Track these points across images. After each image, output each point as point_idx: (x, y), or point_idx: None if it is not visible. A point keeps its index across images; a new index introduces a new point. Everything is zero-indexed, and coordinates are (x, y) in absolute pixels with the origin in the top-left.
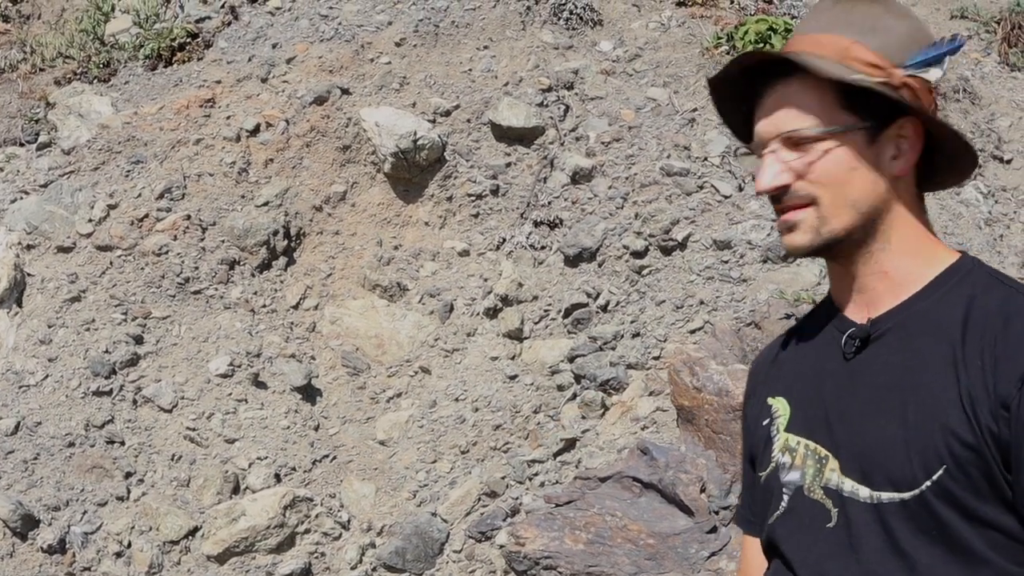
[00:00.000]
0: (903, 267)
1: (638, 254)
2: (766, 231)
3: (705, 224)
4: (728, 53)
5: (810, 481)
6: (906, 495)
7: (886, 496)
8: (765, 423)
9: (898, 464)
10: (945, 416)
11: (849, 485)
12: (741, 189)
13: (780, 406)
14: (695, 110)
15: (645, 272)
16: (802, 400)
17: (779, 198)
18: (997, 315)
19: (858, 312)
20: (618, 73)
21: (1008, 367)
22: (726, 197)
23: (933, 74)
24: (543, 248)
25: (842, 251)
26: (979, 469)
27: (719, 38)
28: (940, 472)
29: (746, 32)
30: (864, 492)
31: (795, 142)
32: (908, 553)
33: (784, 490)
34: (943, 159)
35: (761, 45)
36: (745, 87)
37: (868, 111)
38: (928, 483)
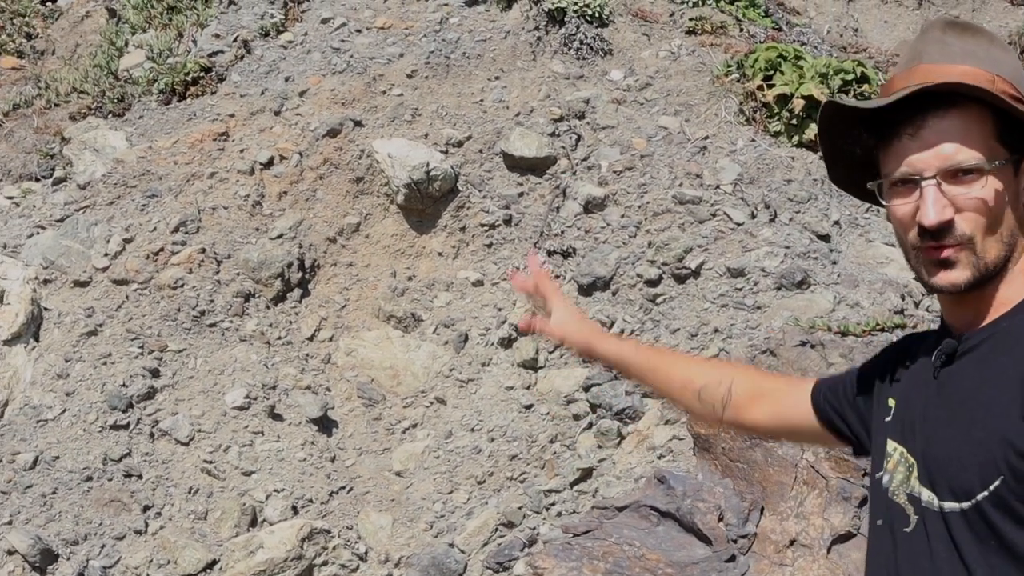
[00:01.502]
0: (1008, 289)
1: (652, 283)
2: (779, 258)
3: (718, 252)
4: (739, 81)
5: (896, 486)
6: (964, 505)
7: (948, 506)
8: (886, 419)
9: (958, 474)
10: (1006, 430)
11: (926, 494)
12: (754, 216)
13: (890, 407)
14: (706, 138)
15: (659, 300)
16: (903, 408)
17: (940, 234)
18: None
19: (964, 328)
20: (629, 102)
21: None
22: (739, 224)
23: None
24: (557, 277)
25: (983, 284)
26: None
27: (729, 66)
28: (997, 483)
29: (756, 60)
30: (936, 502)
31: (955, 175)
32: (969, 563)
33: (885, 496)
34: None
35: (771, 73)
36: (872, 124)
37: (1015, 144)
38: (984, 493)
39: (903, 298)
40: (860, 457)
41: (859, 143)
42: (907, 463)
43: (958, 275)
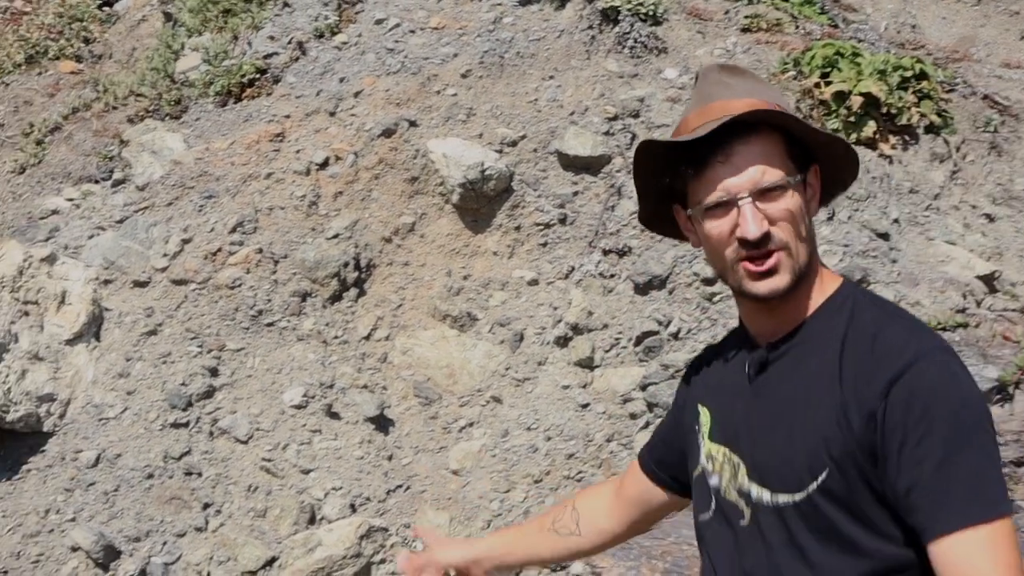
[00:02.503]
0: (809, 295)
1: (708, 281)
2: (838, 257)
3: None
4: (795, 78)
5: (726, 484)
6: (797, 497)
7: (782, 499)
8: (696, 427)
9: (789, 471)
10: (825, 427)
11: (756, 490)
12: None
13: (704, 415)
14: None
15: (716, 299)
16: (720, 413)
17: (759, 244)
18: (866, 334)
19: (765, 337)
20: (684, 100)
21: (876, 379)
22: None
23: None
24: (612, 276)
25: (798, 286)
26: (856, 471)
27: (785, 63)
28: (823, 475)
29: (813, 57)
30: (766, 496)
31: (764, 193)
32: (804, 548)
33: (711, 493)
34: (825, 188)
35: (828, 70)
36: (679, 155)
37: (800, 162)
38: (814, 485)
39: (964, 297)
40: None
41: (675, 177)
42: (732, 462)
43: (779, 281)
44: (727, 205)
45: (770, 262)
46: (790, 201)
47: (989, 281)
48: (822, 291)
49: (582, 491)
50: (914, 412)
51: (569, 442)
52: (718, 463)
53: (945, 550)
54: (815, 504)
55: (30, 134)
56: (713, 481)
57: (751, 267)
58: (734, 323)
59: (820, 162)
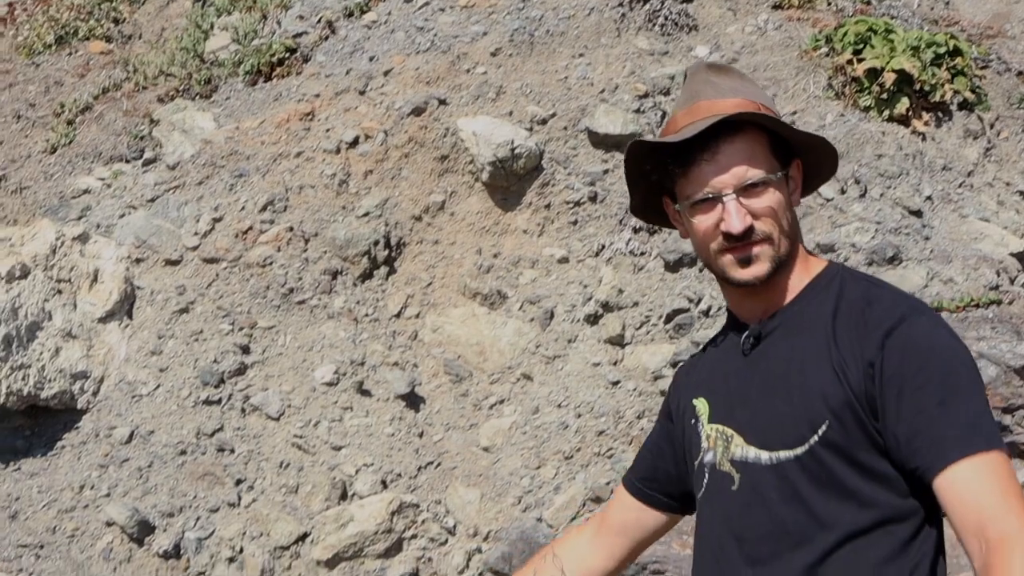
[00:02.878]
0: (793, 277)
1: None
2: (870, 234)
3: (807, 227)
4: (827, 55)
5: (720, 457)
6: (799, 451)
7: (783, 455)
8: (692, 422)
9: (790, 427)
10: (822, 385)
11: (752, 453)
12: (843, 192)
13: (701, 405)
14: (795, 113)
15: None
16: (715, 395)
17: (742, 237)
18: (859, 302)
19: (754, 319)
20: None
21: (871, 335)
22: (828, 200)
23: None
24: (643, 254)
25: (778, 274)
26: (855, 421)
27: (817, 40)
28: (823, 427)
29: (845, 34)
30: (765, 456)
31: (747, 189)
32: (805, 499)
33: (705, 470)
34: (807, 180)
35: (861, 47)
36: (667, 152)
37: (783, 159)
38: (815, 438)
39: (998, 274)
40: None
41: (663, 173)
42: (724, 436)
43: (759, 268)
44: (712, 201)
45: (752, 250)
46: (772, 196)
47: (1023, 258)
48: (807, 273)
49: (559, 538)
50: (910, 361)
51: (600, 419)
52: (712, 440)
53: (949, 480)
54: (817, 456)
55: (61, 114)
56: (708, 458)
57: (731, 255)
58: None
59: (802, 156)
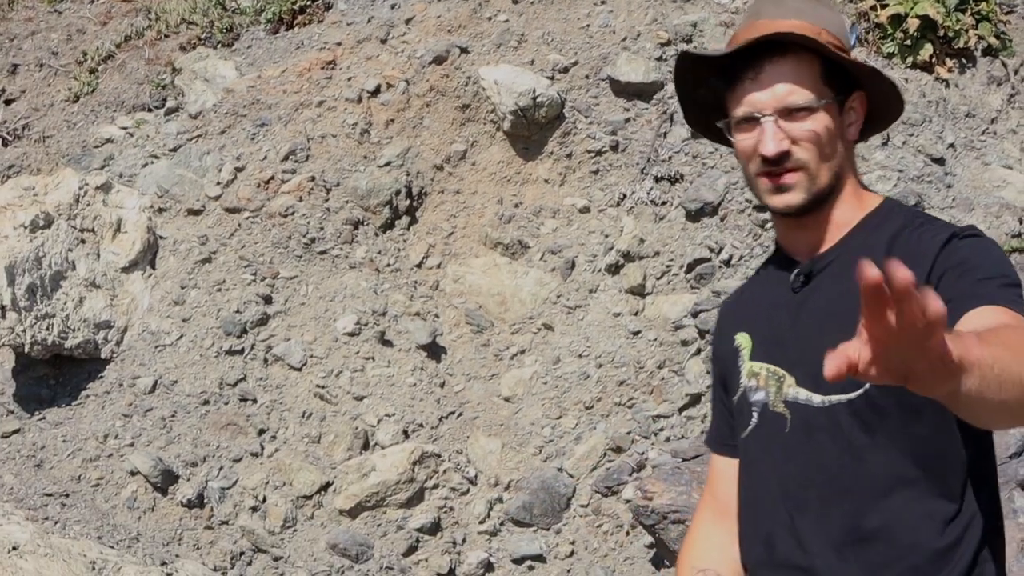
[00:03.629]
0: (843, 213)
1: (760, 208)
2: (892, 182)
3: None
4: (851, 2)
5: (773, 398)
6: (853, 395)
7: (835, 398)
8: (736, 355)
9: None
10: None
11: (804, 395)
12: (865, 140)
13: (743, 340)
14: None
15: (768, 226)
16: (761, 332)
17: (777, 161)
18: (911, 236)
19: (804, 254)
20: (738, 25)
21: (926, 255)
22: None
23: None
24: (664, 203)
25: (816, 206)
26: None
27: None
28: None
29: None
30: (817, 399)
31: (790, 112)
32: (855, 444)
33: (753, 408)
34: (873, 117)
35: None
36: (720, 71)
37: (837, 86)
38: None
39: (1021, 221)
40: None
41: (710, 88)
42: (776, 376)
43: (792, 197)
44: (753, 121)
45: (784, 179)
46: (817, 123)
47: None
48: (862, 208)
49: (688, 551)
50: (961, 256)
51: (620, 369)
52: (762, 379)
53: (977, 312)
54: (871, 400)
55: (83, 63)
56: (758, 396)
57: (767, 181)
58: None
59: (866, 90)
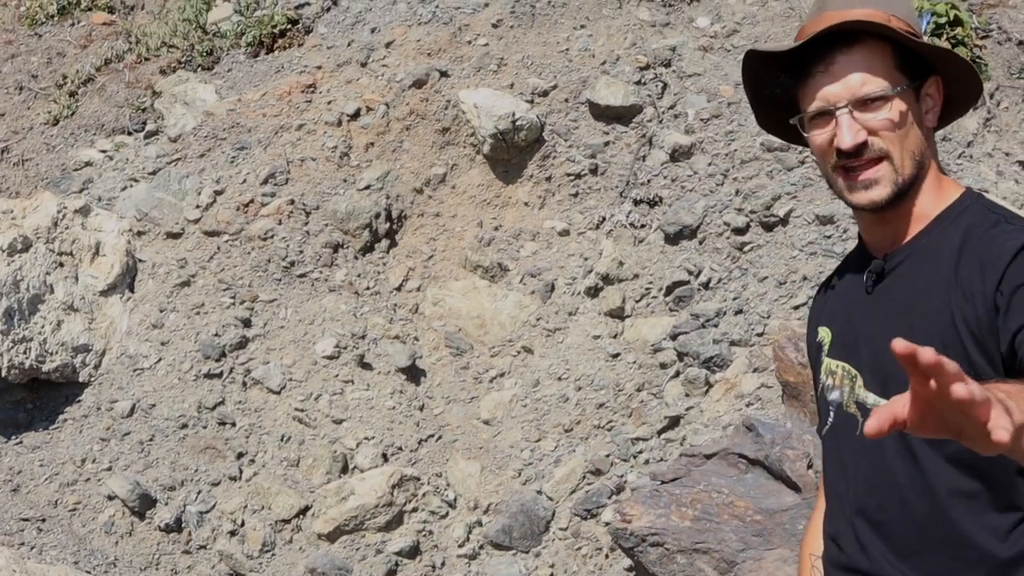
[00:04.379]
0: (922, 205)
1: (739, 231)
2: None
3: (807, 199)
4: None
5: (847, 398)
6: None
7: None
8: (817, 350)
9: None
10: (942, 332)
11: (872, 398)
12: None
13: (825, 335)
14: None
15: (747, 248)
16: (839, 329)
17: (856, 154)
18: (984, 237)
19: (881, 250)
20: (716, 49)
21: (994, 268)
22: None
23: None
24: (643, 226)
25: (901, 199)
26: (972, 374)
27: None
28: None
29: None
30: (883, 403)
31: (864, 103)
32: (916, 454)
33: (830, 407)
34: (951, 101)
35: None
36: (790, 67)
37: (911, 73)
38: None
39: None
40: None
41: (779, 85)
42: (850, 375)
43: (878, 193)
44: (827, 115)
45: (867, 173)
46: (894, 111)
47: None
48: (941, 200)
49: (808, 540)
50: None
51: (599, 392)
52: (838, 377)
53: None
54: None
55: (63, 86)
56: (834, 396)
57: (848, 178)
58: (765, 272)
59: (942, 74)
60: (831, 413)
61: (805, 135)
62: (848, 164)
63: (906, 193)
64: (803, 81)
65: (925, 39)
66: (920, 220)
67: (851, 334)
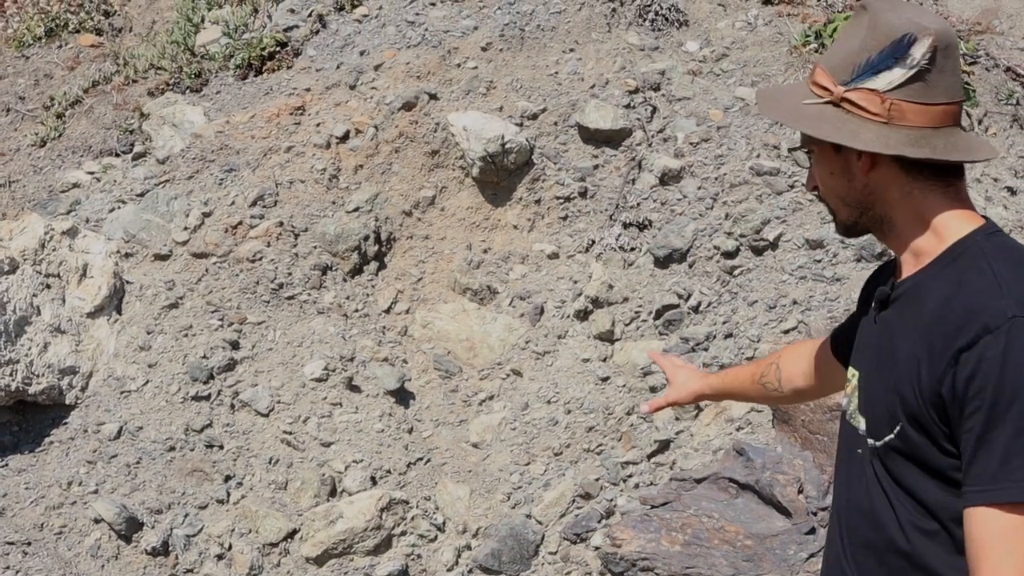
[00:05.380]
0: (920, 242)
1: (729, 255)
2: None
3: (796, 223)
4: (817, 51)
5: (852, 411)
6: (878, 443)
7: (869, 441)
8: (855, 331)
9: (876, 414)
10: (903, 384)
11: (863, 425)
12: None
13: (858, 332)
14: None
15: (737, 272)
16: (860, 339)
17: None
18: (960, 300)
19: (898, 273)
20: (705, 73)
21: (948, 346)
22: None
23: (879, 81)
24: (633, 250)
25: (867, 233)
26: (921, 432)
27: (807, 36)
28: (898, 427)
29: (835, 29)
30: (862, 427)
31: (807, 152)
32: (885, 489)
33: (841, 414)
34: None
35: None
36: None
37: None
38: (891, 435)
39: None
40: None
41: None
42: (855, 392)
43: (834, 225)
44: None
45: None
46: (819, 165)
47: None
48: (940, 240)
49: (787, 348)
50: (975, 384)
51: (589, 415)
52: (850, 386)
53: (969, 524)
54: (893, 450)
55: (51, 107)
56: (844, 402)
57: None
58: (755, 296)
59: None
60: (841, 420)
61: None
62: None
63: (854, 230)
64: None
65: (886, 77)
66: (920, 256)
67: (862, 346)
